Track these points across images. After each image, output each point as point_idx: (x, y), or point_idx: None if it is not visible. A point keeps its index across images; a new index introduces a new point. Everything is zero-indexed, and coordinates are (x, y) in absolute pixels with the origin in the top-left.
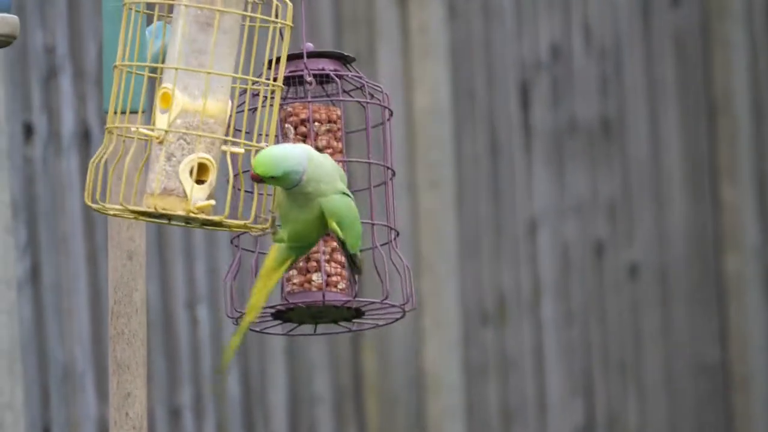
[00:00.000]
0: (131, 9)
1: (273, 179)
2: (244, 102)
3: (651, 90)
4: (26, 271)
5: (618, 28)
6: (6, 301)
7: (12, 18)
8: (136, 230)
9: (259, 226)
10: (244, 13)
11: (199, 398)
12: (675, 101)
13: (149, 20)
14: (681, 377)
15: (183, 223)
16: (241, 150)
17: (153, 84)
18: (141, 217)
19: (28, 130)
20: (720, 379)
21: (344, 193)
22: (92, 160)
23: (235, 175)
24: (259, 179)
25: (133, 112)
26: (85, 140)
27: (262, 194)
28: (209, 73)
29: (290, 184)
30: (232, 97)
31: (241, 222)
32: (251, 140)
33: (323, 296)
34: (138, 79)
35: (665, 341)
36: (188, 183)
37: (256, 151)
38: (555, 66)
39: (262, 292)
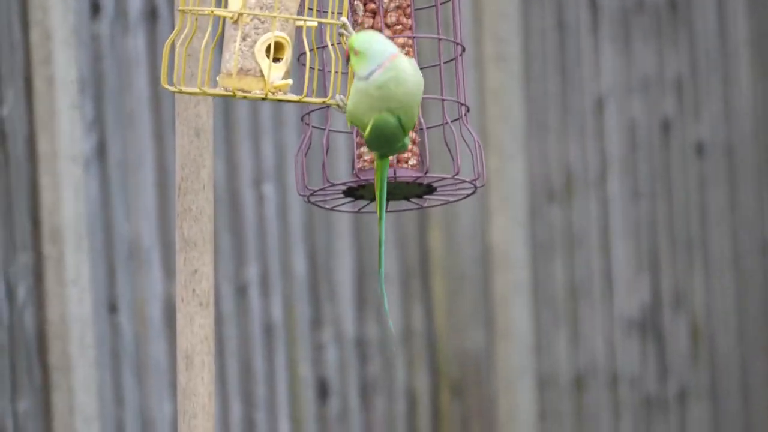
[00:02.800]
0: None
1: (352, 53)
2: None
3: None
4: (93, 147)
5: None
6: (72, 177)
7: None
8: (204, 107)
9: (336, 102)
10: None
11: (265, 275)
12: None
13: None
14: (748, 255)
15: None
16: (315, 23)
17: None
18: (217, 96)
19: (96, 7)
20: None
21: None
22: (167, 42)
23: (310, 51)
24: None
25: None
26: (152, 18)
27: (338, 72)
28: None
29: (360, 70)
30: None
31: (320, 99)
32: (322, 16)
33: (395, 172)
34: None
35: (732, 219)
36: (265, 62)
37: (330, 26)
38: None
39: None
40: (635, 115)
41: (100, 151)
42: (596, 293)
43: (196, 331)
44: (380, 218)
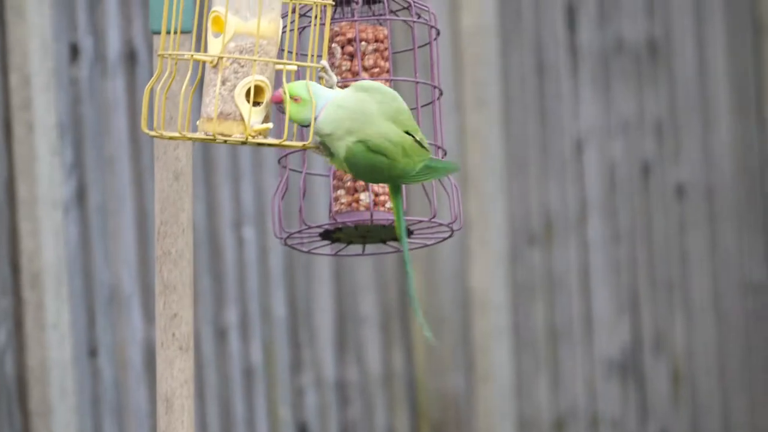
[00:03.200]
0: None
1: (291, 101)
2: (293, 21)
3: (697, 9)
4: (72, 192)
5: None
6: (52, 221)
7: None
8: (183, 150)
9: (316, 145)
10: None
11: (245, 318)
12: (721, 20)
13: None
14: (728, 296)
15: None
16: (294, 67)
17: (201, 3)
18: (197, 141)
19: (75, 51)
20: (767, 298)
21: (364, 141)
22: (147, 86)
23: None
24: (278, 99)
25: (184, 32)
26: (131, 61)
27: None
28: None
29: (303, 115)
30: (283, 17)
31: (300, 143)
32: (301, 60)
33: (371, 215)
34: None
35: (712, 260)
36: (245, 106)
37: (310, 70)
38: None
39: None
40: (615, 157)
41: (80, 195)
42: (577, 336)
43: (176, 374)
44: (404, 249)
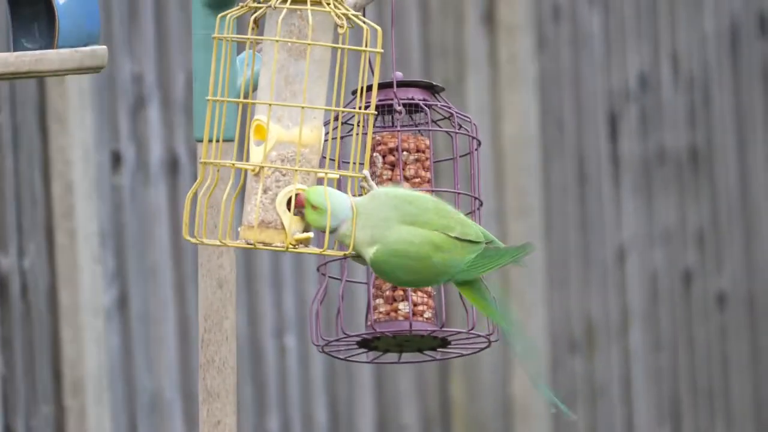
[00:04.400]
0: (221, 41)
1: (309, 207)
2: (335, 128)
3: (739, 119)
4: (114, 300)
5: (706, 57)
6: (94, 330)
7: (101, 49)
8: (227, 258)
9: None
10: (335, 45)
11: (287, 425)
12: (763, 130)
13: (239, 48)
14: None
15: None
16: (336, 175)
17: (243, 110)
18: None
19: (117, 159)
20: None
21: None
22: (189, 193)
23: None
24: (299, 203)
25: (226, 140)
26: (173, 169)
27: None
28: (303, 107)
29: (318, 225)
30: (325, 124)
31: (341, 252)
32: (343, 168)
33: (410, 325)
34: (229, 108)
35: (753, 368)
36: (286, 215)
37: (352, 180)
38: (643, 96)
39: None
40: (657, 267)
41: (122, 303)
42: None
43: None
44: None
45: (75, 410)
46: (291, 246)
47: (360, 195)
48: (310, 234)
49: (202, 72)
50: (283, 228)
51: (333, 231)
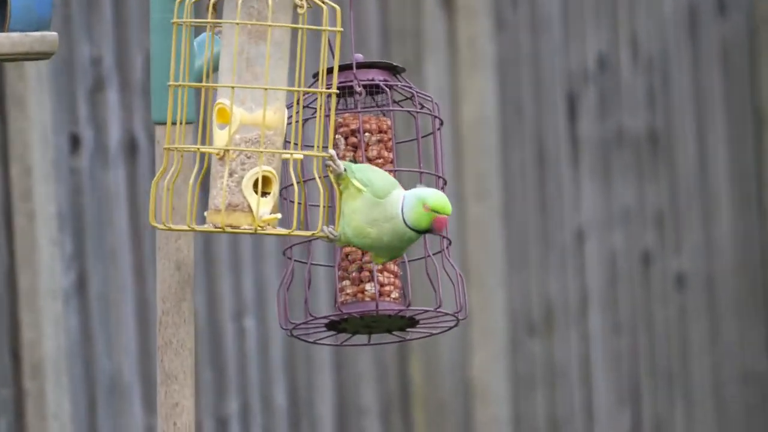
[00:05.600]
0: (180, 25)
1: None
2: (298, 111)
3: (698, 101)
4: (73, 282)
5: (665, 38)
6: (52, 312)
7: (51, 35)
8: (185, 241)
9: (326, 234)
10: (295, 26)
11: (246, 408)
12: (722, 112)
13: (197, 32)
14: (729, 386)
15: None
16: (300, 155)
17: (204, 94)
18: (206, 233)
19: (75, 142)
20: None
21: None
22: (154, 180)
23: (297, 183)
24: (441, 227)
25: (188, 123)
26: (132, 151)
27: (329, 207)
28: (266, 89)
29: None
30: (288, 105)
31: (309, 232)
32: (315, 151)
33: (376, 306)
34: (189, 90)
35: (713, 351)
36: (253, 198)
37: (317, 159)
38: (602, 77)
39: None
40: (616, 248)
41: (80, 285)
42: (578, 427)
43: None
44: None
45: (34, 393)
46: (259, 228)
47: (325, 176)
48: (278, 215)
49: (160, 55)
50: (251, 210)
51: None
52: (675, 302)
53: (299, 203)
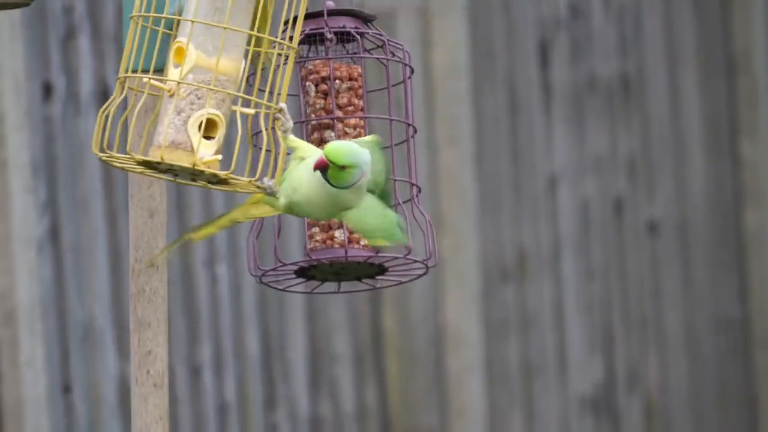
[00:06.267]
0: None
1: (338, 168)
2: (258, 64)
3: (670, 47)
4: (46, 230)
5: None
6: (26, 260)
7: None
8: (157, 188)
9: (263, 186)
10: None
11: (218, 355)
12: (694, 58)
13: None
14: (701, 333)
15: (189, 180)
16: (251, 111)
17: (168, 41)
18: (147, 171)
19: (47, 90)
20: (741, 335)
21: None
22: (101, 109)
23: (250, 135)
24: (323, 166)
25: (147, 70)
26: (104, 99)
27: (269, 151)
28: (225, 28)
29: (347, 182)
30: (245, 58)
31: (246, 179)
32: (265, 101)
33: (345, 252)
34: (154, 34)
35: (685, 297)
36: (196, 137)
37: (266, 111)
38: (574, 24)
39: (223, 225)
40: (588, 195)
41: (54, 233)
42: (550, 373)
43: (150, 411)
44: None
45: (8, 340)
46: (198, 167)
47: (272, 128)
48: (219, 156)
49: (131, 1)
50: (193, 150)
51: (353, 184)
52: (647, 249)
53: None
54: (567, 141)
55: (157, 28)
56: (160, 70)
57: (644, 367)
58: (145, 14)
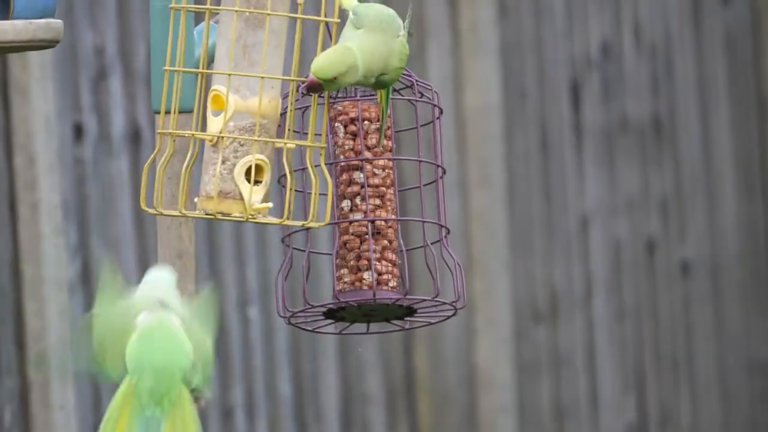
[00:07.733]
0: (179, 11)
1: (331, 82)
2: (296, 100)
3: (702, 88)
4: (77, 272)
5: (668, 26)
6: (57, 302)
7: (56, 23)
8: (185, 230)
9: (317, 224)
10: (294, 15)
11: (251, 398)
12: (726, 99)
13: (197, 19)
14: (734, 374)
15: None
16: (293, 145)
17: (201, 81)
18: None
19: (79, 131)
20: None
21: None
22: (146, 164)
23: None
24: (317, 86)
25: (183, 112)
26: (135, 141)
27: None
28: (263, 77)
29: (345, 84)
30: (282, 94)
31: (300, 222)
32: (301, 138)
33: (374, 294)
34: (187, 78)
35: (718, 338)
36: (245, 186)
37: (310, 149)
38: (606, 64)
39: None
40: (620, 236)
41: (85, 275)
42: (583, 414)
43: None
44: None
45: (39, 383)
46: (250, 216)
47: (317, 165)
48: (269, 204)
49: (160, 43)
50: (242, 198)
51: (359, 76)
52: (680, 289)
53: (292, 190)
54: (599, 181)
55: (189, 70)
56: (188, 110)
57: (676, 407)
58: (178, 69)
